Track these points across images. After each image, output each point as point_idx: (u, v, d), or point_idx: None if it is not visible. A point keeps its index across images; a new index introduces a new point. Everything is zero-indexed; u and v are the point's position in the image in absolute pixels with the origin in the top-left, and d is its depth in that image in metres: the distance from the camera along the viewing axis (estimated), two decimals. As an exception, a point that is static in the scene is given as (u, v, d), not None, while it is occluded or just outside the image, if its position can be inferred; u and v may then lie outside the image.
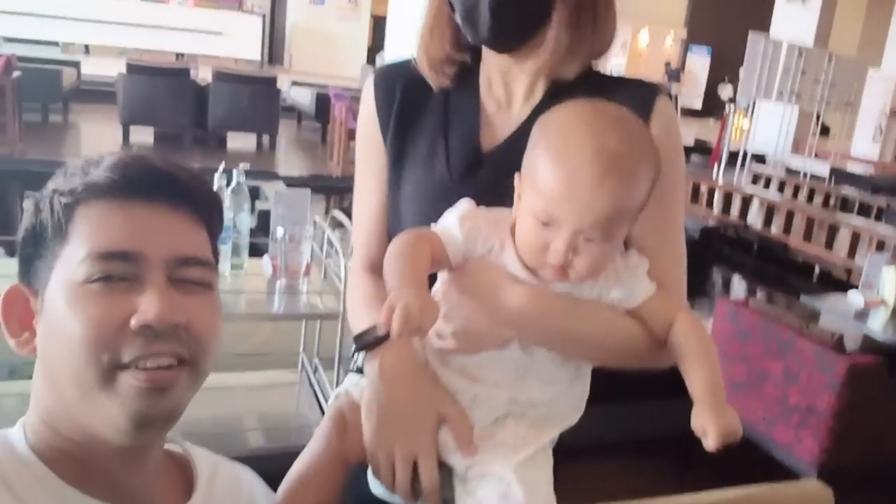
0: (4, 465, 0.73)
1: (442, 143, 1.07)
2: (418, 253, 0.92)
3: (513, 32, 0.99)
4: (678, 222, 1.05)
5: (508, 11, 0.96)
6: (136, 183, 0.77)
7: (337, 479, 0.94)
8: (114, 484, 0.76)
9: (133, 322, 0.72)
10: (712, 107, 18.37)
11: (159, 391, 0.73)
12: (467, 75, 1.09)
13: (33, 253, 0.77)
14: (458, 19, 1.01)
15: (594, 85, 1.02)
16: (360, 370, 0.99)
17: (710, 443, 0.83)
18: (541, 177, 0.89)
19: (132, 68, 8.25)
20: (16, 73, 7.38)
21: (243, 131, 9.02)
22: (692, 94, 19.89)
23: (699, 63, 20.07)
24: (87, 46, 14.72)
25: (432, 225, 0.97)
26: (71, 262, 0.74)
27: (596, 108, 0.90)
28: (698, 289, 5.60)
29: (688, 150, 12.90)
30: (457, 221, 0.95)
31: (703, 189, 7.27)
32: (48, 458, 0.74)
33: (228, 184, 2.36)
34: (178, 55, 13.73)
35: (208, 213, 0.83)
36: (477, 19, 0.98)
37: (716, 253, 6.37)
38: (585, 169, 0.85)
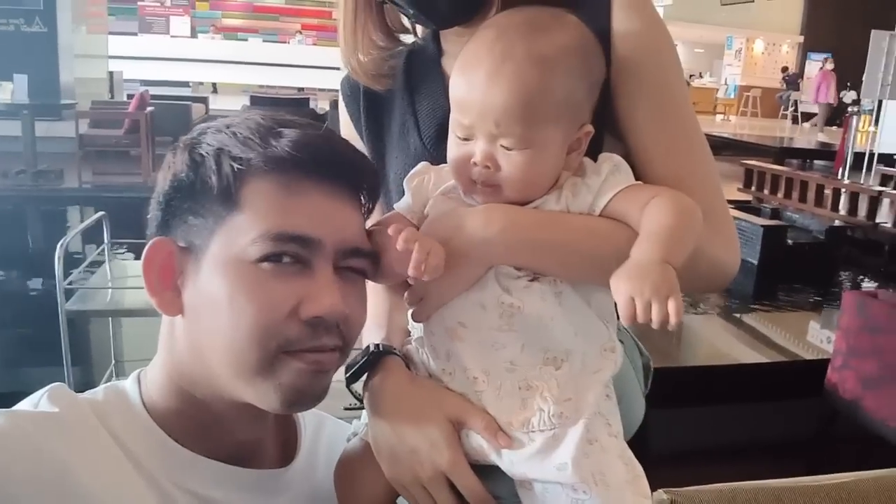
0: (115, 416, 0.75)
1: (411, 119, 0.99)
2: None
3: (472, 5, 0.90)
4: (682, 119, 0.91)
5: None
6: (319, 164, 0.75)
7: None
8: (226, 442, 0.78)
9: (304, 312, 0.72)
10: (834, 112, 17.66)
11: (320, 373, 0.75)
12: (423, 49, 1.02)
13: (187, 207, 0.75)
14: (410, 15, 0.94)
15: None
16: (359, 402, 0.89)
17: (620, 309, 0.71)
18: (451, 88, 0.83)
19: (255, 100, 8.82)
20: (149, 108, 7.95)
21: (360, 156, 9.37)
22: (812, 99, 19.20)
23: (818, 69, 19.35)
24: (214, 85, 15.66)
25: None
26: (241, 236, 0.72)
27: (511, 11, 0.83)
28: (826, 290, 5.42)
29: (811, 154, 12.51)
30: (406, 185, 0.88)
31: (828, 191, 6.99)
32: (158, 414, 0.77)
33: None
34: (299, 90, 14.37)
35: (371, 198, 0.82)
36: (433, 10, 0.91)
37: (843, 254, 6.11)
38: (482, 60, 0.79)
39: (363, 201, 0.81)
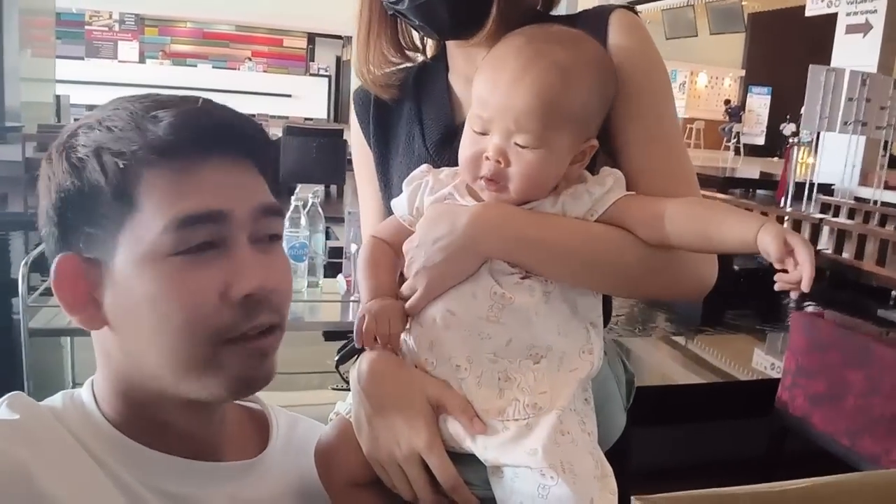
0: (77, 422, 0.74)
1: (417, 127, 1.04)
2: (377, 257, 0.93)
3: (473, 19, 0.95)
4: (669, 139, 0.96)
5: (463, 4, 0.94)
6: (205, 139, 0.72)
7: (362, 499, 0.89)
8: (185, 439, 0.77)
9: (234, 294, 0.70)
10: (775, 144, 18.28)
11: (263, 356, 0.74)
12: (433, 65, 1.09)
13: (81, 217, 0.71)
14: (416, 26, 1.01)
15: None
16: (346, 383, 0.93)
17: (801, 254, 0.74)
18: (475, 86, 0.89)
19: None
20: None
21: (312, 182, 9.33)
22: (754, 131, 19.84)
23: (759, 102, 20.07)
24: (162, 112, 15.49)
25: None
26: (147, 233, 0.69)
27: (538, 26, 0.89)
28: (771, 314, 5.56)
29: (754, 184, 12.88)
30: (405, 186, 0.94)
31: (772, 219, 7.22)
32: (115, 420, 0.75)
33: (304, 206, 2.52)
34: (250, 115, 14.32)
35: (268, 162, 0.79)
36: (436, 21, 0.96)
37: (787, 280, 6.28)
38: (509, 62, 0.85)
39: (258, 164, 0.78)
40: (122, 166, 0.69)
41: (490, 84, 0.86)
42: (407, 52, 1.09)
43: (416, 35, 1.08)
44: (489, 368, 0.83)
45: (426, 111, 1.05)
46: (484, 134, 0.86)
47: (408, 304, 0.88)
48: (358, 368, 0.89)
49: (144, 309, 0.69)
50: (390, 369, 0.87)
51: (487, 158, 0.85)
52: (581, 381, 0.85)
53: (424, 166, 0.96)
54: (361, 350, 0.90)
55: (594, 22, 0.94)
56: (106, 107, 0.75)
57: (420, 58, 1.11)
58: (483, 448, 0.81)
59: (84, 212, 0.71)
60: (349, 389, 0.90)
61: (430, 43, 1.10)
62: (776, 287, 0.75)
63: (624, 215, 0.86)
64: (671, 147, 0.95)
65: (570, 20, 0.97)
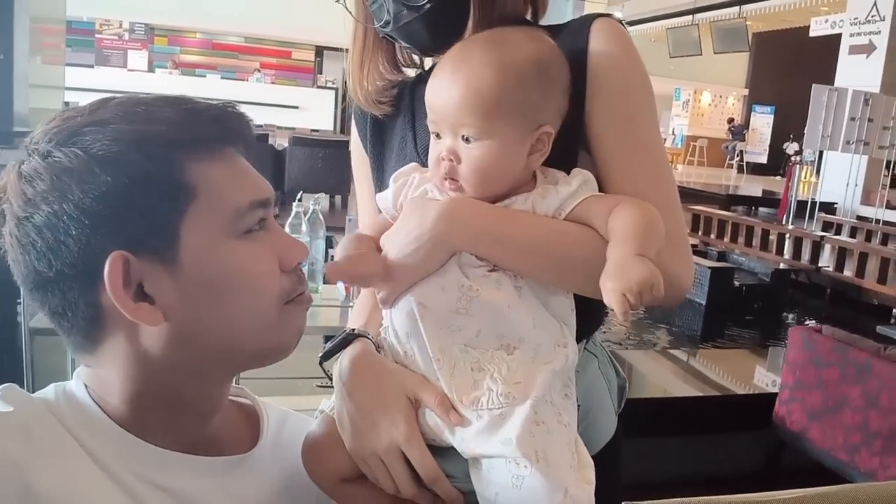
0: (70, 414, 0.74)
1: (410, 133, 1.07)
2: (359, 239, 0.94)
3: (452, 33, 0.97)
4: (647, 140, 0.97)
5: (439, 21, 0.97)
6: (236, 134, 0.78)
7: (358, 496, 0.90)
8: (182, 433, 0.79)
9: (289, 263, 0.78)
10: (777, 162, 18.32)
11: (306, 311, 0.83)
12: (427, 76, 1.07)
13: (123, 212, 0.69)
14: (403, 45, 1.05)
15: None
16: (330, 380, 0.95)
17: (615, 306, 0.76)
18: (425, 93, 0.92)
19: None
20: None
21: (317, 192, 9.41)
22: (757, 150, 19.88)
23: (763, 121, 20.10)
24: (170, 121, 15.55)
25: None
26: (214, 218, 0.73)
27: (484, 32, 0.93)
28: (771, 331, 5.59)
29: (756, 201, 12.87)
30: (392, 181, 0.97)
31: (773, 236, 7.24)
32: (113, 412, 0.75)
33: (306, 213, 2.54)
34: (257, 126, 14.39)
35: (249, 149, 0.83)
36: (418, 39, 1.01)
37: (787, 296, 6.31)
38: (445, 67, 0.89)
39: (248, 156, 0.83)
40: (170, 156, 0.71)
41: (431, 88, 0.90)
42: (402, 70, 1.13)
43: None
44: (462, 359, 0.85)
45: (419, 119, 1.07)
46: (439, 137, 0.90)
47: (379, 297, 0.91)
48: (340, 365, 0.90)
49: (222, 287, 0.73)
50: (370, 365, 0.89)
51: (443, 159, 0.88)
52: (556, 373, 0.85)
53: (412, 164, 0.99)
54: (345, 347, 0.92)
55: (577, 29, 0.97)
56: (104, 105, 0.74)
57: (415, 72, 1.14)
58: (460, 440, 0.82)
59: (130, 207, 0.69)
60: (333, 387, 0.92)
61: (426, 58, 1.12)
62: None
63: (589, 213, 0.88)
64: (649, 153, 0.96)
65: (556, 29, 0.99)
